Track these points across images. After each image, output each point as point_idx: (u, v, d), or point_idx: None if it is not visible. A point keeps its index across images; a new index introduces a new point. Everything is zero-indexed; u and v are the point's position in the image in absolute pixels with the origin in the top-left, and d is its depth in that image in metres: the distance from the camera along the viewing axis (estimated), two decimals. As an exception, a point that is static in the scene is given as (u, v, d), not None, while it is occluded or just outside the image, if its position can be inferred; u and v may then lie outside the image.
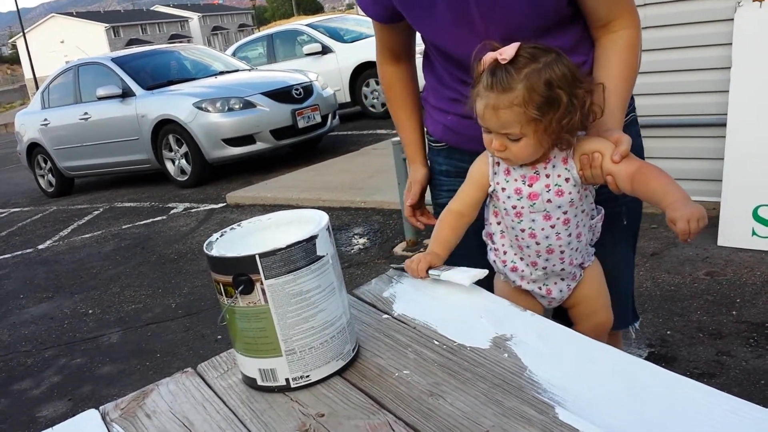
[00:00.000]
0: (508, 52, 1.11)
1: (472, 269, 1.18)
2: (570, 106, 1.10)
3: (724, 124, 3.19)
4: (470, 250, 1.37)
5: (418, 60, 1.51)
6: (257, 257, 0.91)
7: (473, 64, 1.16)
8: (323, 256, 0.96)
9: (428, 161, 1.55)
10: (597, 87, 1.14)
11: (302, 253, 0.93)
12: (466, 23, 1.24)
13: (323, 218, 1.00)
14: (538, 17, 1.20)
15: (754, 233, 3.11)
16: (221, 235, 1.03)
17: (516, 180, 1.22)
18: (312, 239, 0.94)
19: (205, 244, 1.00)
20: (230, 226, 1.06)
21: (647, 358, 2.35)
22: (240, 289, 0.92)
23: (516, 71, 1.10)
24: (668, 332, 2.59)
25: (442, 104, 1.40)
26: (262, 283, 0.92)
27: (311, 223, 1.00)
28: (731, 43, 3.14)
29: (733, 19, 3.12)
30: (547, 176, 1.19)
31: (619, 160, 1.12)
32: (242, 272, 0.92)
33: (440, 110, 1.41)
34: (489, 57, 1.13)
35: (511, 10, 1.20)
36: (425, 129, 1.53)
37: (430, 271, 1.21)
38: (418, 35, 1.43)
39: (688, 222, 1.00)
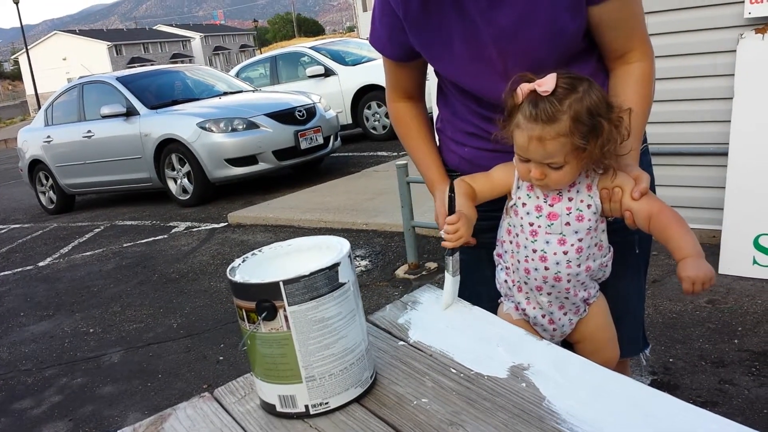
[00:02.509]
0: (548, 83, 1.12)
1: (452, 299, 1.24)
2: (611, 131, 1.13)
3: (725, 154, 3.23)
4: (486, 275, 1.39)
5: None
6: (281, 284, 0.92)
7: (506, 96, 1.17)
8: (345, 283, 0.97)
9: None
10: (625, 112, 1.16)
11: (325, 280, 0.94)
12: (484, 60, 1.26)
13: (345, 245, 1.02)
14: (556, 51, 1.23)
15: (755, 262, 3.13)
16: (243, 261, 1.05)
17: (538, 197, 1.23)
18: (335, 266, 0.96)
19: (228, 270, 1.01)
20: (252, 252, 1.08)
21: (650, 386, 2.35)
22: (263, 315, 0.93)
23: (558, 102, 1.11)
24: (670, 360, 2.60)
25: (457, 137, 1.42)
26: (285, 310, 0.93)
27: (333, 249, 1.02)
28: (734, 74, 3.19)
29: (735, 51, 3.17)
30: (570, 200, 1.21)
31: (639, 197, 1.16)
32: (266, 298, 0.93)
33: (456, 142, 1.43)
34: (526, 88, 1.14)
35: (529, 47, 1.22)
36: None
37: (448, 259, 1.23)
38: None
39: (693, 284, 1.07)
